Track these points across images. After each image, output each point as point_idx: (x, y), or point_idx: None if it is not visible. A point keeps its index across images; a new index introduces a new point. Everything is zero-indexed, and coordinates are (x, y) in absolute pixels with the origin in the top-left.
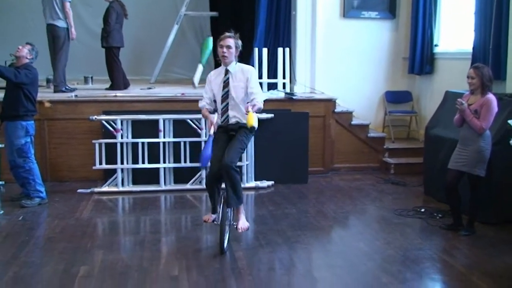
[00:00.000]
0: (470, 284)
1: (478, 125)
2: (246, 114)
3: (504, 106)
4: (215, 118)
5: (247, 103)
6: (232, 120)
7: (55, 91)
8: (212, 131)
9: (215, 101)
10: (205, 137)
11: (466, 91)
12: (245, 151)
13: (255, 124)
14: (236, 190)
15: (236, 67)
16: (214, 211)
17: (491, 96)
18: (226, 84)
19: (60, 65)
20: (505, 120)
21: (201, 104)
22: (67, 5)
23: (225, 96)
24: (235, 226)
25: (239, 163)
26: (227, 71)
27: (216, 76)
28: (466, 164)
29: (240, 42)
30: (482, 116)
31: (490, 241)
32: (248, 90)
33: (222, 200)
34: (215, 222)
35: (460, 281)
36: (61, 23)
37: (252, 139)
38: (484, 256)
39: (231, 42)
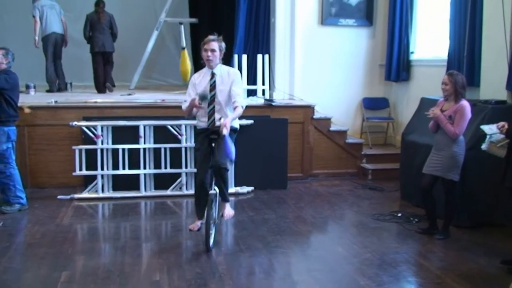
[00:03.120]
0: (446, 286)
1: (452, 130)
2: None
3: (478, 112)
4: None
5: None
6: (217, 123)
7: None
8: (225, 131)
9: None
10: (185, 143)
11: (441, 97)
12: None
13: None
14: (227, 188)
15: (222, 70)
16: (201, 216)
17: (464, 103)
18: (212, 87)
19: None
20: (478, 126)
21: (184, 106)
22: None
23: (212, 99)
24: (221, 216)
25: None
26: (213, 74)
27: (200, 79)
28: (440, 169)
29: (223, 45)
30: (456, 122)
31: (464, 244)
32: (231, 93)
33: (208, 202)
34: (200, 229)
35: (435, 283)
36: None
37: None
38: (459, 259)
39: (215, 46)
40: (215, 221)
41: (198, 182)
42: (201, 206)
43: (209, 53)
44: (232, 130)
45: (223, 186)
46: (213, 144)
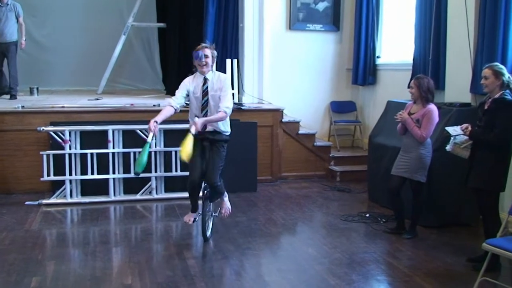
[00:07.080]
0: (414, 284)
1: (418, 134)
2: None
3: (443, 114)
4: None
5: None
6: (209, 128)
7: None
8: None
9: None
10: (155, 147)
11: (408, 100)
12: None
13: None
14: (220, 196)
15: (213, 75)
16: (194, 210)
17: (432, 107)
18: (205, 93)
19: None
20: (444, 128)
21: (167, 100)
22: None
23: (205, 104)
24: (219, 213)
25: None
26: (205, 80)
27: (193, 83)
28: (407, 170)
29: (215, 52)
30: (423, 126)
31: (431, 243)
32: (220, 96)
33: (203, 197)
34: (195, 220)
35: (404, 281)
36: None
37: None
38: (426, 257)
39: (208, 52)
40: (212, 213)
41: (191, 183)
42: (194, 201)
43: (203, 59)
44: (223, 140)
45: (216, 196)
46: (206, 147)
